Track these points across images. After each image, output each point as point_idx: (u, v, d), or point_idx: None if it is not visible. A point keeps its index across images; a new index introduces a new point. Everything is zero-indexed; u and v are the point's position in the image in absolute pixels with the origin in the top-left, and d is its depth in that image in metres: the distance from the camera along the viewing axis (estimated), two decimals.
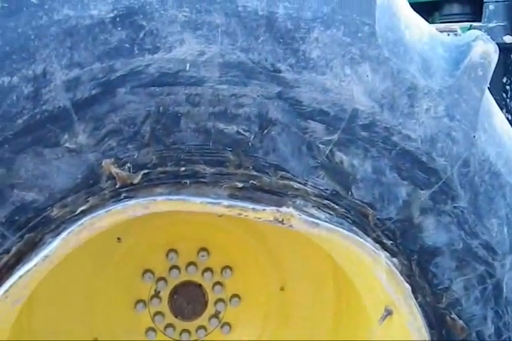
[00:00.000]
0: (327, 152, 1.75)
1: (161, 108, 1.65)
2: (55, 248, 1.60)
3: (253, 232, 2.29)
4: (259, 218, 1.73)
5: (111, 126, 1.63)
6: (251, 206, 1.70)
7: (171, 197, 1.67)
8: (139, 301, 2.32)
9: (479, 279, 1.84)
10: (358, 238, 1.76)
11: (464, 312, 1.85)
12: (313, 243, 2.18)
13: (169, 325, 2.35)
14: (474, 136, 1.79)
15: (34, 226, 1.65)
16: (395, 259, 1.81)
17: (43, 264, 1.60)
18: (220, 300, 2.38)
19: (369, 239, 1.81)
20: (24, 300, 1.73)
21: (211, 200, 1.68)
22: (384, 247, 1.82)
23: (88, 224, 1.64)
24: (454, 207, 1.82)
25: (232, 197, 1.74)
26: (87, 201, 1.67)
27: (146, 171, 1.69)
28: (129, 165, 1.67)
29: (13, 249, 1.63)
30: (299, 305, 2.38)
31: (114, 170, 1.66)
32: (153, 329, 2.36)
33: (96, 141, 1.64)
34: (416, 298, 1.83)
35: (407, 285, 1.80)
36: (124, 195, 1.69)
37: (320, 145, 1.75)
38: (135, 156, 1.67)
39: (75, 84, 1.60)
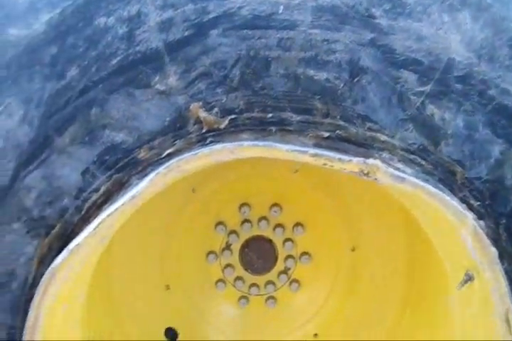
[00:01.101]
0: (418, 104, 1.69)
1: (251, 51, 1.62)
2: (142, 188, 1.61)
3: (327, 190, 2.25)
4: (345, 169, 1.69)
5: (201, 68, 1.62)
6: (337, 156, 1.66)
7: (257, 142, 1.64)
8: (210, 252, 2.34)
9: None
10: (445, 196, 1.70)
11: None
12: (387, 203, 2.13)
13: (239, 278, 2.36)
14: None
15: (122, 167, 1.66)
16: (481, 222, 1.73)
17: (129, 204, 1.62)
18: (290, 256, 2.36)
19: (455, 199, 1.72)
20: (109, 240, 1.77)
21: (298, 148, 1.66)
22: (471, 208, 1.74)
23: (175, 167, 1.64)
24: None
25: (317, 146, 1.70)
26: (174, 144, 1.67)
27: (233, 116, 1.67)
28: (216, 109, 1.65)
29: (102, 189, 1.66)
30: (370, 266, 2.34)
31: (202, 113, 1.65)
32: (223, 281, 2.37)
33: (186, 84, 1.63)
34: (502, 264, 1.74)
35: (494, 250, 1.72)
36: (210, 139, 1.69)
37: (411, 97, 1.69)
38: (223, 101, 1.65)
39: (169, 25, 1.59)
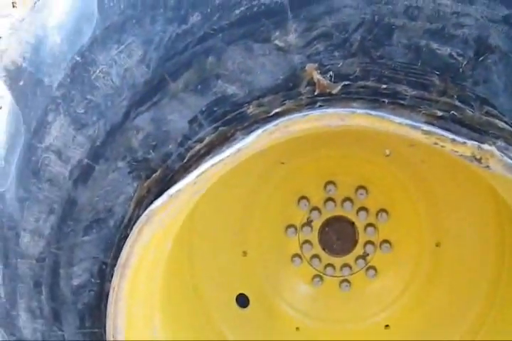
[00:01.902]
0: None
1: (376, 17, 1.59)
2: (248, 144, 1.60)
3: (415, 180, 2.17)
4: (456, 151, 1.62)
5: (323, 29, 1.60)
6: (451, 136, 1.59)
7: (370, 111, 1.60)
8: (290, 226, 2.31)
9: None
10: None
11: None
12: (477, 199, 2.01)
13: (315, 256, 2.33)
14: None
15: (229, 121, 1.66)
16: None
17: (232, 157, 1.61)
18: (371, 242, 2.30)
19: None
20: (202, 193, 1.77)
21: (411, 122, 1.60)
22: None
23: (282, 126, 1.63)
24: None
25: (428, 124, 1.63)
26: (283, 104, 1.66)
27: (346, 83, 1.64)
28: (331, 73, 1.63)
29: (206, 139, 1.67)
30: (454, 262, 2.25)
31: (316, 76, 1.63)
32: (299, 257, 2.34)
33: (305, 43, 1.61)
34: None
35: None
36: (319, 103, 1.66)
37: None
38: (339, 65, 1.62)
39: None
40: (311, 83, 1.64)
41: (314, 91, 1.65)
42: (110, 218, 1.72)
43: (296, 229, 2.31)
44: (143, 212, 1.65)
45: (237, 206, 2.29)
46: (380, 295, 2.36)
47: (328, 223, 2.31)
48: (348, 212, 2.29)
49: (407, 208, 2.26)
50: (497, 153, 1.59)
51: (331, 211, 2.29)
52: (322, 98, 1.66)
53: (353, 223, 2.31)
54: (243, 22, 1.61)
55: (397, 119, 1.59)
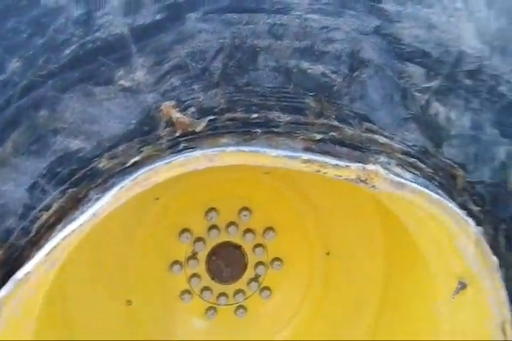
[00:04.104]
0: (423, 102, 1.48)
1: (236, 40, 1.35)
2: (104, 205, 1.32)
3: (298, 192, 2.05)
4: (340, 176, 1.49)
5: (175, 60, 1.33)
6: (334, 162, 1.45)
7: (242, 148, 1.40)
8: (175, 262, 2.12)
9: None
10: (447, 203, 1.53)
11: None
12: (362, 205, 1.95)
13: (206, 288, 2.16)
14: None
15: (78, 180, 1.37)
16: (479, 228, 1.59)
17: (88, 223, 1.32)
18: (261, 263, 2.18)
19: (454, 204, 1.57)
20: (62, 261, 1.48)
21: (289, 153, 1.43)
22: (470, 214, 1.59)
23: (142, 179, 1.36)
24: None
25: (307, 150, 1.48)
26: (141, 151, 1.38)
27: (212, 117, 1.40)
28: (193, 109, 1.38)
29: (54, 206, 1.36)
30: (345, 271, 2.19)
31: (175, 114, 1.37)
32: (188, 292, 2.16)
33: (156, 79, 1.33)
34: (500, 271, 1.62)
35: (495, 258, 1.60)
36: (183, 144, 1.41)
37: (416, 94, 1.47)
38: (200, 99, 1.37)
39: (136, 6, 1.27)
40: (171, 123, 1.38)
41: (175, 132, 1.39)
42: None
43: (181, 264, 2.12)
44: None
45: (113, 252, 2.03)
46: (278, 313, 2.27)
47: (215, 251, 2.14)
48: (234, 236, 2.14)
49: (293, 222, 2.16)
50: (381, 171, 1.47)
51: (215, 239, 2.12)
52: (186, 138, 1.41)
53: (240, 246, 2.17)
54: (77, 63, 1.28)
55: (273, 152, 1.40)
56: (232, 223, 2.10)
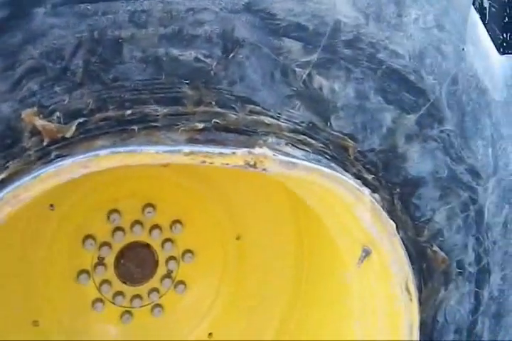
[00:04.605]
0: (304, 76, 1.41)
1: (96, 33, 1.20)
2: None
3: (202, 180, 1.96)
4: (227, 164, 1.42)
5: (29, 62, 1.17)
6: (217, 150, 1.38)
7: (117, 149, 1.31)
8: (81, 272, 1.98)
9: (462, 206, 1.69)
10: (340, 176, 1.52)
11: (446, 243, 1.70)
12: (268, 185, 1.91)
13: (118, 293, 2.04)
14: (463, 49, 1.52)
15: None
16: (376, 195, 1.60)
17: None
18: (172, 258, 2.08)
19: (349, 175, 1.56)
20: None
21: (169, 148, 1.35)
22: (365, 183, 1.59)
23: (11, 197, 1.22)
24: (441, 131, 1.61)
25: (191, 141, 1.40)
26: (7, 167, 1.25)
27: (81, 120, 1.28)
28: (58, 114, 1.25)
29: None
30: (258, 254, 2.14)
31: (39, 122, 1.22)
32: (100, 300, 2.03)
33: (10, 85, 1.18)
34: (398, 234, 1.64)
35: (391, 223, 1.61)
36: (54, 153, 1.28)
37: (296, 69, 1.41)
38: (65, 102, 1.24)
39: None
40: (36, 132, 1.23)
41: (43, 140, 1.24)
42: None
43: (88, 273, 1.98)
44: None
45: (14, 270, 1.86)
46: (195, 306, 2.18)
47: (123, 254, 2.01)
48: (140, 235, 2.02)
49: (200, 211, 2.06)
50: (270, 153, 1.43)
51: (121, 241, 1.99)
52: (56, 146, 1.28)
53: (148, 244, 2.05)
54: None
55: (151, 149, 1.30)
56: (136, 222, 1.99)
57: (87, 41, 1.21)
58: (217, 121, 1.40)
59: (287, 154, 1.48)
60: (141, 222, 1.99)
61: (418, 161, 1.59)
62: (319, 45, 1.41)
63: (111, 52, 1.24)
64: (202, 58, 1.33)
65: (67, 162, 1.27)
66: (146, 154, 1.33)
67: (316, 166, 1.50)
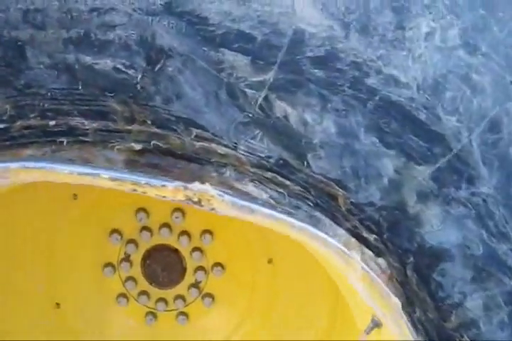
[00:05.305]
0: (260, 100, 1.09)
1: None
2: None
3: None
4: (164, 197, 1.22)
5: None
6: (144, 180, 1.19)
7: (27, 164, 1.21)
8: (107, 264, 1.99)
9: (507, 297, 1.22)
10: (315, 231, 1.21)
11: (482, 337, 1.25)
12: None
13: (143, 293, 2.02)
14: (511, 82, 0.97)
15: None
16: (380, 260, 1.23)
17: None
18: (201, 268, 1.99)
19: (341, 230, 1.23)
20: None
21: (85, 170, 1.20)
22: (365, 243, 1.23)
23: None
24: (472, 194, 1.15)
25: (130, 163, 1.21)
26: None
27: (1, 126, 1.18)
28: None
29: None
30: (290, 279, 1.96)
31: None
32: (124, 296, 2.02)
33: None
34: (413, 312, 1.27)
35: (395, 300, 1.24)
36: None
37: (247, 90, 1.10)
38: None
39: None
40: None
41: None
42: None
43: (114, 266, 2.00)
44: None
45: (38, 253, 1.95)
46: (221, 323, 2.07)
47: (150, 254, 1.99)
48: (168, 238, 1.96)
49: (231, 227, 1.92)
50: (214, 191, 1.18)
51: (148, 241, 1.96)
52: None
53: (176, 250, 1.98)
54: None
55: (65, 169, 1.19)
56: (164, 225, 1.93)
57: None
58: (158, 143, 1.20)
59: (247, 194, 1.18)
60: (170, 225, 1.93)
61: (439, 228, 1.19)
62: (274, 61, 1.05)
63: (14, 56, 1.13)
64: (123, 69, 1.13)
65: None
66: (58, 173, 1.21)
67: (279, 215, 1.17)
